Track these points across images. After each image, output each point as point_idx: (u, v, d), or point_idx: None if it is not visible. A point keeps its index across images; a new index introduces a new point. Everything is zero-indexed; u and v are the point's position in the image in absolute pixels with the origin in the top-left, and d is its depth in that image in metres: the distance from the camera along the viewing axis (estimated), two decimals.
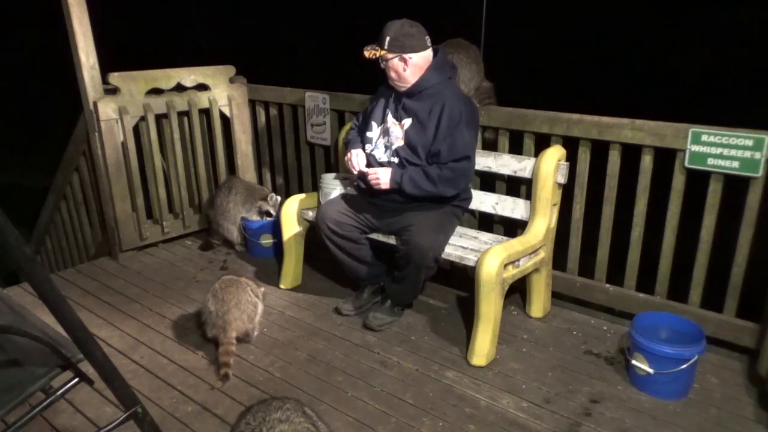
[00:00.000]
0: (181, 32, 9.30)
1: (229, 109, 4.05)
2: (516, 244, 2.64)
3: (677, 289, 2.76)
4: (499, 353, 2.64)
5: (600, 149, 2.84)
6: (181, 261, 3.77)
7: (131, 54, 5.71)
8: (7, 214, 1.07)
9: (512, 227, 3.09)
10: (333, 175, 3.12)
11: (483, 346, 2.56)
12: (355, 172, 2.80)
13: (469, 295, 3.12)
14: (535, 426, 2.19)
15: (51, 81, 7.28)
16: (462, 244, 2.79)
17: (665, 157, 2.66)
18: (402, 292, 2.89)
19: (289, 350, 2.72)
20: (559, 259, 3.01)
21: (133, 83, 3.59)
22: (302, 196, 3.31)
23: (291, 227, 3.24)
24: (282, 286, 3.33)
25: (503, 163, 2.96)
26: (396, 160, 2.75)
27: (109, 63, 3.60)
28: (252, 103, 4.16)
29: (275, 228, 3.59)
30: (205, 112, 4.00)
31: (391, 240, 2.84)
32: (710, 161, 2.51)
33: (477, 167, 2.86)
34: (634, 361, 2.39)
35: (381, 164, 2.79)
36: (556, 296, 3.08)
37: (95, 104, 3.45)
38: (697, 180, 2.59)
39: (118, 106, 3.53)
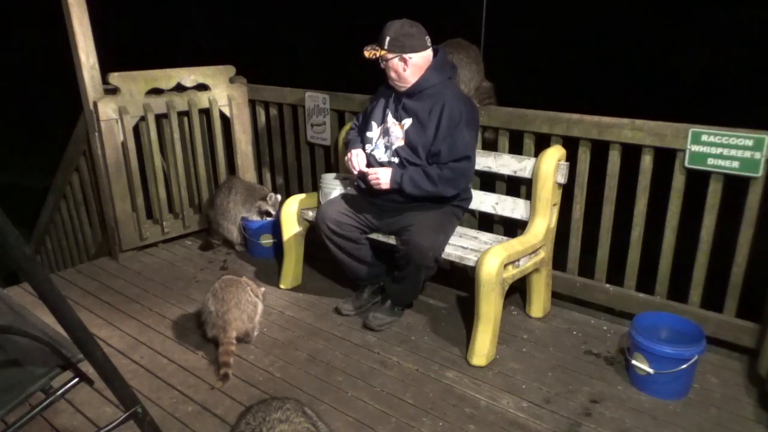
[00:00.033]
0: (181, 32, 9.30)
1: (229, 109, 4.05)
2: (516, 244, 2.64)
3: (677, 289, 2.76)
4: (499, 353, 2.64)
5: (600, 149, 2.84)
6: (181, 261, 3.77)
7: (131, 54, 5.71)
8: (7, 214, 1.07)
9: (512, 227, 3.09)
10: (333, 175, 3.12)
11: (483, 346, 2.56)
12: (356, 172, 2.80)
13: (469, 295, 3.12)
14: (535, 426, 2.19)
15: (51, 81, 7.28)
16: (462, 244, 2.79)
17: (665, 157, 2.66)
18: (402, 292, 2.89)
19: (289, 350, 2.72)
20: (559, 259, 3.01)
21: (133, 83, 3.59)
22: (302, 196, 3.31)
23: (291, 227, 3.24)
24: (282, 286, 3.33)
25: (503, 163, 2.96)
26: (396, 160, 2.75)
27: (109, 63, 3.60)
28: (252, 103, 4.16)
29: (275, 228, 3.59)
30: (205, 112, 4.00)
31: (391, 240, 2.84)
32: (710, 161, 2.51)
33: (477, 167, 2.86)
34: (634, 361, 2.39)
35: (381, 164, 2.79)
36: (556, 296, 3.09)
37: (95, 104, 3.45)
38: (697, 180, 2.59)
39: (118, 106, 3.53)
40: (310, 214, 3.13)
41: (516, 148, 3.04)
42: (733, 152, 2.45)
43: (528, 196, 2.90)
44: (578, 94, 5.05)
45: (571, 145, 2.88)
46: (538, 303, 2.96)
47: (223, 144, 4.08)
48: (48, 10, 3.88)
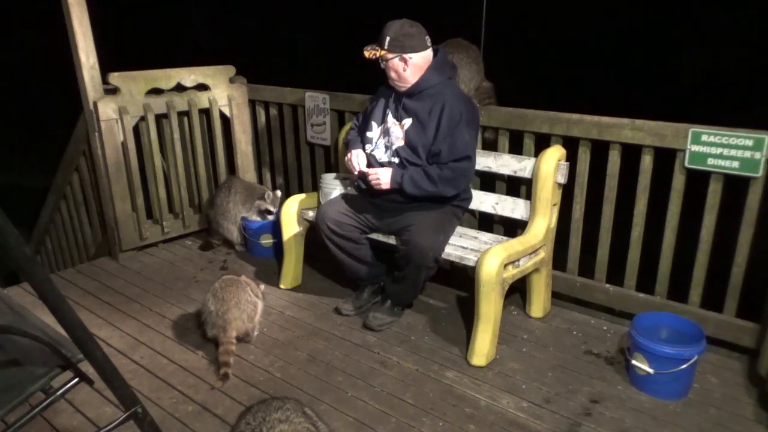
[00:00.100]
0: (181, 32, 9.29)
1: (229, 109, 4.05)
2: (516, 244, 2.64)
3: (677, 289, 2.76)
4: (499, 353, 2.64)
5: (600, 149, 2.84)
6: (181, 261, 3.77)
7: (131, 54, 5.71)
8: (7, 214, 1.07)
9: (512, 227, 3.09)
10: (333, 175, 3.12)
11: (483, 346, 2.56)
12: (356, 173, 2.80)
13: (469, 295, 3.12)
14: (535, 426, 2.19)
15: (51, 81, 7.28)
16: (462, 244, 2.79)
17: (665, 157, 2.66)
18: (402, 292, 2.89)
19: (289, 350, 2.72)
20: (559, 259, 3.01)
21: (133, 83, 3.59)
22: (302, 196, 3.31)
23: (291, 227, 3.24)
24: (282, 286, 3.33)
25: (503, 163, 2.96)
26: (396, 160, 2.75)
27: (109, 63, 3.60)
28: (252, 103, 4.16)
29: (275, 228, 3.58)
30: (205, 112, 4.00)
31: (391, 240, 2.84)
32: (710, 161, 2.51)
33: (477, 167, 2.85)
34: (634, 361, 2.39)
35: (381, 164, 2.79)
36: (556, 296, 3.09)
37: (95, 104, 3.45)
38: (697, 180, 2.59)
39: (118, 106, 3.53)
40: (310, 214, 3.13)
41: (516, 148, 3.04)
42: (733, 152, 2.45)
43: (528, 196, 2.90)
44: (578, 94, 5.05)
45: (571, 145, 2.88)
46: (538, 303, 2.96)
47: (223, 144, 4.08)
48: (48, 10, 3.88)
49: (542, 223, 2.78)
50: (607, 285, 2.95)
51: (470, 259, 2.63)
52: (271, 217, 3.73)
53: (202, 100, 3.92)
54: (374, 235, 2.92)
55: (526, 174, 2.86)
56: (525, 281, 2.90)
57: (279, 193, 3.82)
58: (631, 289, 2.88)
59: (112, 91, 3.54)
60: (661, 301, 2.79)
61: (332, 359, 2.64)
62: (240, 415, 1.60)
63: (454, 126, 2.63)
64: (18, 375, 1.39)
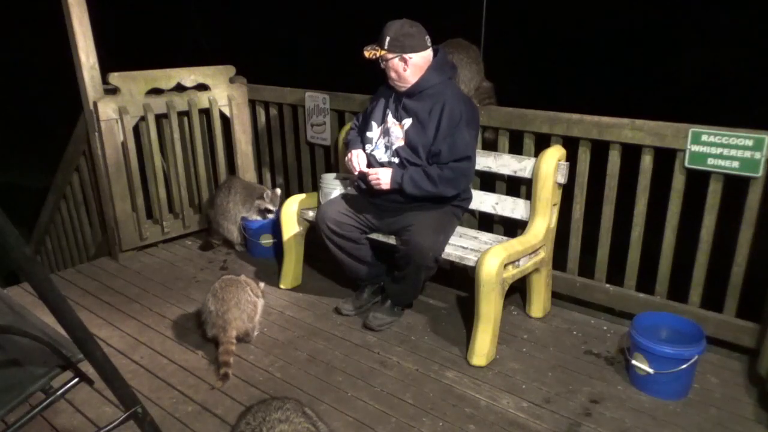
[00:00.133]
0: (181, 32, 9.29)
1: (229, 109, 4.05)
2: (516, 244, 2.64)
3: (677, 289, 2.76)
4: (499, 353, 2.64)
5: (600, 149, 2.84)
6: (181, 261, 3.77)
7: (131, 54, 5.70)
8: (7, 214, 1.07)
9: (512, 227, 3.09)
10: (333, 175, 3.12)
11: (483, 346, 2.56)
12: (356, 173, 2.80)
13: (469, 295, 3.12)
14: (535, 426, 2.19)
15: (51, 81, 7.28)
16: (462, 244, 2.79)
17: (665, 157, 2.66)
18: (402, 292, 2.89)
19: (289, 350, 2.72)
20: (559, 259, 3.01)
21: (133, 83, 3.60)
22: (302, 196, 3.31)
23: (291, 227, 3.24)
24: (282, 286, 3.33)
25: (503, 163, 2.96)
26: (396, 160, 2.75)
27: (109, 63, 3.60)
28: (252, 103, 4.16)
29: (275, 228, 3.58)
30: (205, 112, 4.00)
31: (391, 240, 2.84)
32: (710, 161, 2.51)
33: (477, 167, 2.85)
34: (634, 361, 2.39)
35: (381, 164, 2.79)
36: (556, 296, 3.09)
37: (95, 104, 3.45)
38: (697, 180, 2.59)
39: (118, 106, 3.53)
40: (310, 214, 3.13)
41: (516, 148, 3.04)
42: (733, 152, 2.45)
43: (528, 196, 2.90)
44: (578, 94, 5.05)
45: (571, 145, 2.88)
46: (538, 303, 2.96)
47: (223, 144, 4.08)
48: (48, 10, 3.88)
49: (542, 223, 2.78)
50: (607, 285, 2.95)
51: (470, 259, 2.63)
52: (271, 216, 3.73)
53: (202, 100, 3.92)
54: (374, 235, 2.92)
55: (526, 174, 2.86)
56: (525, 281, 2.90)
57: (279, 191, 3.82)
58: (631, 289, 2.88)
59: (112, 91, 3.54)
60: (661, 301, 2.79)
61: (332, 359, 2.64)
62: (240, 415, 1.60)
63: (454, 126, 2.63)
64: (18, 375, 1.39)
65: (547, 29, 7.34)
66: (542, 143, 2.95)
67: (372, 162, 2.82)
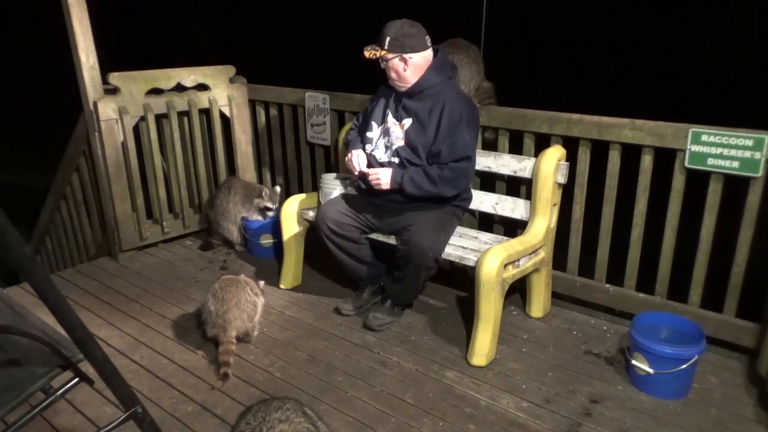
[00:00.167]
0: (181, 32, 9.29)
1: (229, 109, 4.05)
2: (516, 244, 2.64)
3: (677, 289, 2.76)
4: (499, 353, 2.64)
5: (600, 149, 2.84)
6: (181, 261, 3.77)
7: (131, 54, 5.70)
8: (7, 214, 1.07)
9: (512, 227, 3.09)
10: (333, 175, 3.12)
11: (483, 346, 2.56)
12: (356, 173, 2.80)
13: (469, 295, 3.12)
14: (535, 426, 2.19)
15: (51, 81, 7.28)
16: (462, 244, 2.79)
17: (665, 157, 2.66)
18: (402, 292, 2.89)
19: (289, 350, 2.72)
20: (559, 259, 3.01)
21: (133, 83, 3.60)
22: (302, 196, 3.31)
23: (291, 227, 3.24)
24: (282, 286, 3.33)
25: (503, 163, 2.96)
26: (396, 160, 2.75)
27: (109, 63, 3.60)
28: (252, 103, 4.16)
29: (275, 228, 3.58)
30: (205, 112, 4.00)
31: (391, 240, 2.84)
32: (710, 161, 2.51)
33: (477, 167, 2.85)
34: (634, 361, 2.39)
35: (381, 164, 2.79)
36: (556, 296, 3.09)
37: (95, 104, 3.45)
38: (697, 180, 2.59)
39: (118, 106, 3.53)
40: (310, 214, 3.13)
41: (516, 148, 3.04)
42: (733, 152, 2.45)
43: (528, 196, 2.90)
44: (578, 94, 5.05)
45: (571, 145, 2.88)
46: (538, 303, 2.96)
47: (223, 144, 4.08)
48: (48, 10, 3.88)
49: (542, 223, 2.78)
50: (607, 285, 2.95)
51: (470, 259, 2.63)
52: (271, 214, 3.72)
53: (202, 100, 3.92)
54: (374, 235, 2.92)
55: (526, 174, 2.86)
56: (525, 281, 2.90)
57: (278, 189, 3.81)
58: (631, 289, 2.88)
59: (112, 91, 3.54)
60: (661, 301, 2.79)
61: (332, 359, 2.64)
62: (240, 415, 1.60)
63: (455, 126, 2.63)
64: (18, 375, 1.39)
65: (547, 29, 7.34)
66: (542, 143, 2.95)
67: (372, 162, 2.82)
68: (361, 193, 2.88)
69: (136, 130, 3.70)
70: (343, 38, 5.64)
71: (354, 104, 3.55)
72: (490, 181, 3.13)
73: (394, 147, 2.76)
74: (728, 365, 2.56)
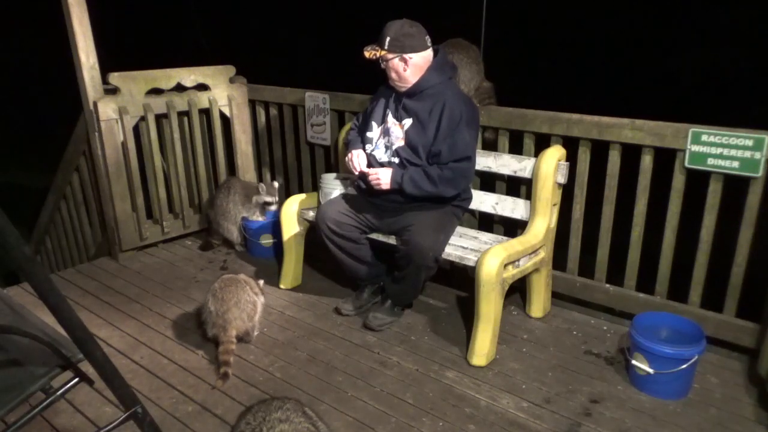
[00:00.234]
0: (181, 32, 9.29)
1: (229, 109, 4.05)
2: (516, 244, 2.64)
3: (677, 289, 2.76)
4: (499, 353, 2.64)
5: (600, 149, 2.84)
6: (181, 261, 3.77)
7: (131, 54, 5.70)
8: (7, 214, 1.07)
9: (512, 227, 3.09)
10: (333, 175, 3.12)
11: (483, 346, 2.56)
12: (356, 173, 2.80)
13: (469, 295, 3.12)
14: (535, 426, 2.19)
15: (51, 81, 7.27)
16: (462, 244, 2.79)
17: (665, 157, 2.66)
18: (402, 292, 2.89)
19: (289, 350, 2.72)
20: (559, 259, 3.01)
21: (133, 83, 3.60)
22: (302, 196, 3.31)
23: (291, 227, 3.24)
24: (282, 286, 3.33)
25: (503, 163, 2.96)
26: (396, 160, 2.75)
27: (109, 63, 3.60)
28: (252, 103, 4.16)
29: (275, 228, 3.58)
30: (205, 112, 4.00)
31: (391, 240, 2.84)
32: (710, 161, 2.51)
33: (477, 167, 2.86)
34: (634, 361, 2.39)
35: (381, 164, 2.79)
36: (556, 296, 3.09)
37: (95, 104, 3.45)
38: (697, 180, 2.59)
39: (118, 106, 3.53)
40: (310, 214, 3.13)
41: (516, 148, 3.04)
42: (733, 152, 2.45)
43: (528, 196, 2.90)
44: (578, 94, 5.05)
45: (571, 145, 2.88)
46: (538, 303, 2.96)
47: (223, 144, 4.08)
48: (48, 10, 3.88)
49: (542, 223, 2.78)
50: (607, 285, 2.95)
51: (470, 259, 2.63)
52: (273, 208, 3.71)
53: (202, 100, 3.92)
54: (374, 235, 2.92)
55: (526, 174, 2.86)
56: (525, 281, 2.90)
57: (276, 184, 3.81)
58: (631, 289, 2.88)
59: (112, 91, 3.54)
60: (661, 301, 2.79)
61: (332, 359, 2.64)
62: (240, 415, 1.61)
63: (455, 126, 2.63)
64: (18, 375, 1.39)
65: (547, 29, 7.33)
66: (542, 143, 2.95)
67: (372, 162, 2.82)
68: (361, 193, 2.88)
69: (136, 130, 3.70)
70: (343, 38, 5.64)
71: (354, 104, 3.55)
72: (490, 181, 3.13)
73: (394, 147, 2.76)
74: (728, 365, 2.56)
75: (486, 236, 2.94)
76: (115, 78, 3.52)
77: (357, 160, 2.80)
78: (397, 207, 2.79)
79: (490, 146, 3.13)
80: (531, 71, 7.28)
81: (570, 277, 3.05)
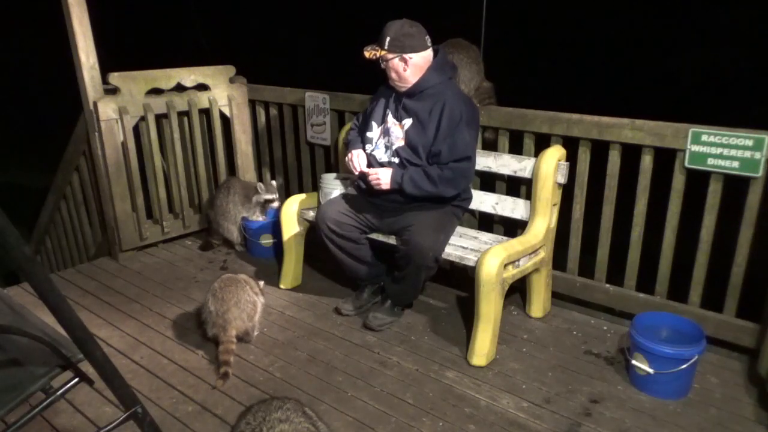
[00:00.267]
0: (181, 32, 9.29)
1: (229, 109, 4.05)
2: (516, 244, 2.64)
3: (677, 289, 2.76)
4: (499, 353, 2.64)
5: (600, 149, 2.84)
6: (181, 261, 3.77)
7: (131, 54, 5.70)
8: (7, 214, 1.07)
9: (512, 227, 3.09)
10: (333, 175, 3.12)
11: (483, 346, 2.56)
12: (356, 173, 2.80)
13: (469, 295, 3.12)
14: (535, 426, 2.19)
15: (51, 81, 7.28)
16: (462, 244, 2.79)
17: (665, 157, 2.66)
18: (402, 292, 2.89)
19: (289, 350, 2.72)
20: (559, 259, 3.01)
21: (133, 83, 3.60)
22: (302, 196, 3.31)
23: (291, 227, 3.24)
24: (282, 286, 3.33)
25: (503, 163, 2.96)
26: (396, 160, 2.75)
27: (109, 63, 3.60)
28: (252, 103, 4.16)
29: (275, 228, 3.58)
30: (205, 112, 4.00)
31: (391, 240, 2.84)
32: (710, 161, 2.51)
33: (477, 167, 2.86)
34: (634, 361, 2.39)
35: (381, 164, 2.79)
36: (556, 296, 3.09)
37: (95, 104, 3.45)
38: (697, 180, 2.59)
39: (118, 106, 3.53)
40: (310, 214, 3.13)
41: (516, 148, 3.04)
42: (733, 152, 2.45)
43: (528, 196, 2.90)
44: (578, 94, 5.05)
45: (571, 145, 2.88)
46: (538, 303, 2.96)
47: (223, 144, 4.08)
48: (48, 10, 3.88)
49: (542, 223, 2.78)
50: (607, 285, 2.95)
51: (470, 259, 2.63)
52: (275, 205, 3.71)
53: (202, 100, 3.92)
54: (374, 235, 2.92)
55: (526, 174, 2.86)
56: (525, 281, 2.90)
57: (274, 182, 3.81)
58: (631, 289, 2.88)
59: (112, 91, 3.54)
60: (661, 301, 2.79)
61: (332, 359, 2.64)
62: (240, 415, 1.61)
63: (455, 126, 2.63)
64: (18, 375, 1.39)
65: (547, 29, 7.33)
66: (542, 143, 2.95)
67: (372, 162, 2.82)
68: (361, 193, 2.88)
69: (136, 130, 3.70)
70: (343, 38, 5.64)
71: (354, 104, 3.55)
72: (490, 181, 3.13)
73: (394, 147, 2.76)
74: (728, 365, 2.56)
75: (486, 236, 2.94)
76: (115, 78, 3.52)
77: (357, 160, 2.80)
78: (397, 207, 2.79)
79: (490, 146, 3.13)
80: (531, 71, 7.28)
81: (570, 277, 3.05)
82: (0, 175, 8.07)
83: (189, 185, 4.01)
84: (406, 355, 2.66)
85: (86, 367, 1.38)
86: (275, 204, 3.71)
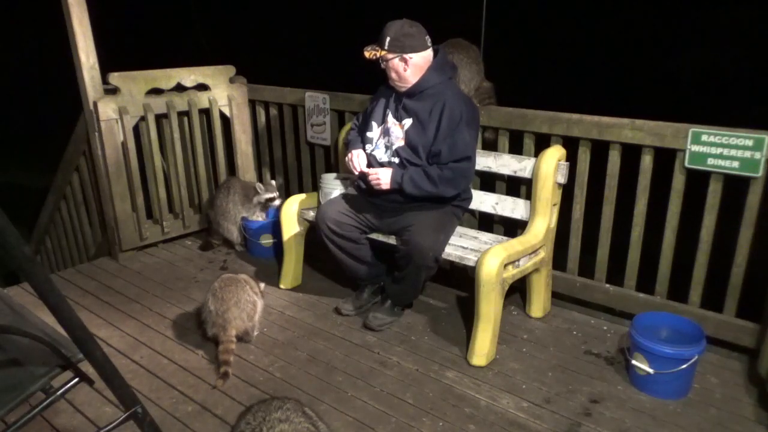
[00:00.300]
0: (181, 32, 9.29)
1: (229, 109, 4.05)
2: (516, 244, 2.64)
3: (677, 289, 2.76)
4: (499, 353, 2.64)
5: (600, 149, 2.84)
6: (181, 261, 3.77)
7: (131, 54, 5.70)
8: (7, 214, 1.07)
9: (512, 227, 3.09)
10: (333, 175, 3.12)
11: (483, 346, 2.56)
12: (356, 173, 2.80)
13: (469, 295, 3.12)
14: (535, 426, 2.19)
15: (51, 81, 7.28)
16: (462, 244, 2.79)
17: (665, 157, 2.66)
18: (402, 292, 2.89)
19: (289, 350, 2.72)
20: (559, 259, 3.01)
21: (133, 83, 3.60)
22: (302, 196, 3.31)
23: (291, 227, 3.24)
24: (282, 286, 3.33)
25: (503, 163, 2.96)
26: (396, 160, 2.75)
27: (109, 63, 3.60)
28: (252, 103, 4.16)
29: (275, 228, 3.59)
30: (205, 112, 4.00)
31: (391, 240, 2.84)
32: (710, 161, 2.51)
33: (477, 167, 2.86)
34: (634, 361, 2.39)
35: (381, 164, 2.79)
36: (556, 296, 3.09)
37: (95, 104, 3.45)
38: (697, 180, 2.59)
39: (118, 106, 3.53)
40: (310, 214, 3.13)
41: (516, 148, 3.04)
42: (733, 152, 2.45)
43: (528, 196, 2.90)
44: (578, 94, 5.05)
45: (571, 145, 2.88)
46: (538, 303, 2.96)
47: (223, 144, 4.08)
48: (48, 10, 3.88)
49: (542, 223, 2.78)
50: (607, 285, 2.95)
51: (470, 259, 2.63)
52: (277, 203, 3.70)
53: (202, 100, 3.92)
54: (374, 235, 2.92)
55: (526, 174, 2.86)
56: (525, 281, 2.90)
57: (274, 182, 3.81)
58: (631, 289, 2.88)
59: (112, 91, 3.54)
60: (661, 301, 2.79)
61: (332, 359, 2.64)
62: (240, 415, 1.61)
63: (455, 126, 2.63)
64: (18, 375, 1.39)
65: (547, 29, 7.33)
66: (542, 143, 2.95)
67: (372, 162, 2.82)
68: (361, 193, 2.88)
69: (136, 130, 3.70)
70: (343, 38, 5.63)
71: (354, 104, 3.55)
72: (490, 181, 3.13)
73: (394, 147, 2.76)
74: (728, 365, 2.56)
75: (486, 236, 2.94)
76: (115, 78, 3.52)
77: (357, 160, 2.80)
78: (397, 207, 2.79)
79: (490, 146, 3.13)
80: (531, 71, 7.28)
81: (570, 277, 3.05)
82: (0, 175, 8.07)
83: (189, 185, 4.01)
84: (406, 355, 2.66)
85: (86, 367, 1.38)
86: (276, 202, 3.71)
